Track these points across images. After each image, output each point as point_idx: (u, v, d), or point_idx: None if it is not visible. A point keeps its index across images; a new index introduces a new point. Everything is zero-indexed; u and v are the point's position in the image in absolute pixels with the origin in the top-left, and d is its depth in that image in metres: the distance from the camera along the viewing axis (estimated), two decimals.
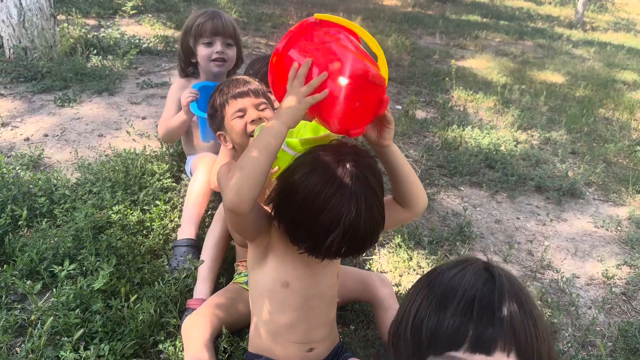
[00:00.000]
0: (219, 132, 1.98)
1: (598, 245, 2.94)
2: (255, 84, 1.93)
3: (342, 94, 1.24)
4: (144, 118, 3.70)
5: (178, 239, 2.34)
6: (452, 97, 5.19)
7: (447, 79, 5.55)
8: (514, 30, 9.70)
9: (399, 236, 2.60)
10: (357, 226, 1.26)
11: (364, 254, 2.47)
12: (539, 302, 2.34)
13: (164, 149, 3.16)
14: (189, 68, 2.77)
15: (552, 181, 3.46)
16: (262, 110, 1.90)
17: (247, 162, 1.22)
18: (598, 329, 2.26)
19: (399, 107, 4.70)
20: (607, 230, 3.10)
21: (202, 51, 2.61)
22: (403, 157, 1.43)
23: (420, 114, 4.53)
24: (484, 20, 10.91)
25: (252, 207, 1.26)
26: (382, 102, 1.30)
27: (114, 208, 2.47)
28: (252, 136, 1.85)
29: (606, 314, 2.38)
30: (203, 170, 2.49)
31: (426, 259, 2.51)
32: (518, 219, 3.08)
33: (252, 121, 1.87)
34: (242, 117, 1.87)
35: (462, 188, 3.32)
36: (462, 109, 4.79)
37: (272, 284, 1.48)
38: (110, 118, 3.64)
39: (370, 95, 1.28)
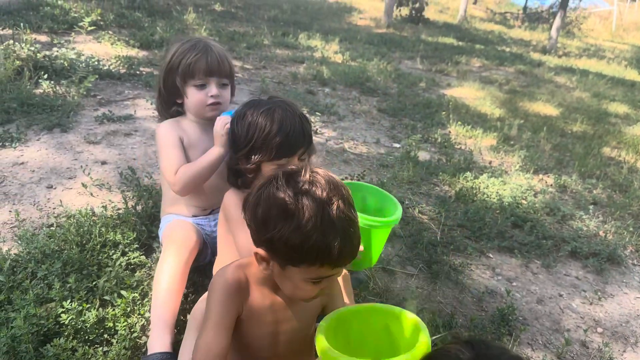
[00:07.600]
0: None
1: None
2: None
3: None
4: (104, 163, 3.04)
5: (148, 353, 1.73)
6: (449, 132, 4.75)
7: (444, 112, 5.14)
8: (493, 56, 9.46)
9: (431, 328, 2.07)
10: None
11: None
12: None
13: (129, 206, 2.53)
14: (172, 108, 2.17)
15: (588, 245, 3.00)
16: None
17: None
18: None
19: (398, 144, 4.21)
20: None
21: (194, 95, 2.01)
22: None
23: (422, 155, 4.04)
24: (460, 43, 10.67)
25: None
26: None
27: (65, 303, 1.85)
28: None
29: None
30: (174, 252, 1.91)
31: None
32: (561, 296, 2.60)
33: None
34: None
35: (490, 255, 2.82)
36: (464, 147, 4.35)
37: None
38: (62, 163, 2.98)
39: None
